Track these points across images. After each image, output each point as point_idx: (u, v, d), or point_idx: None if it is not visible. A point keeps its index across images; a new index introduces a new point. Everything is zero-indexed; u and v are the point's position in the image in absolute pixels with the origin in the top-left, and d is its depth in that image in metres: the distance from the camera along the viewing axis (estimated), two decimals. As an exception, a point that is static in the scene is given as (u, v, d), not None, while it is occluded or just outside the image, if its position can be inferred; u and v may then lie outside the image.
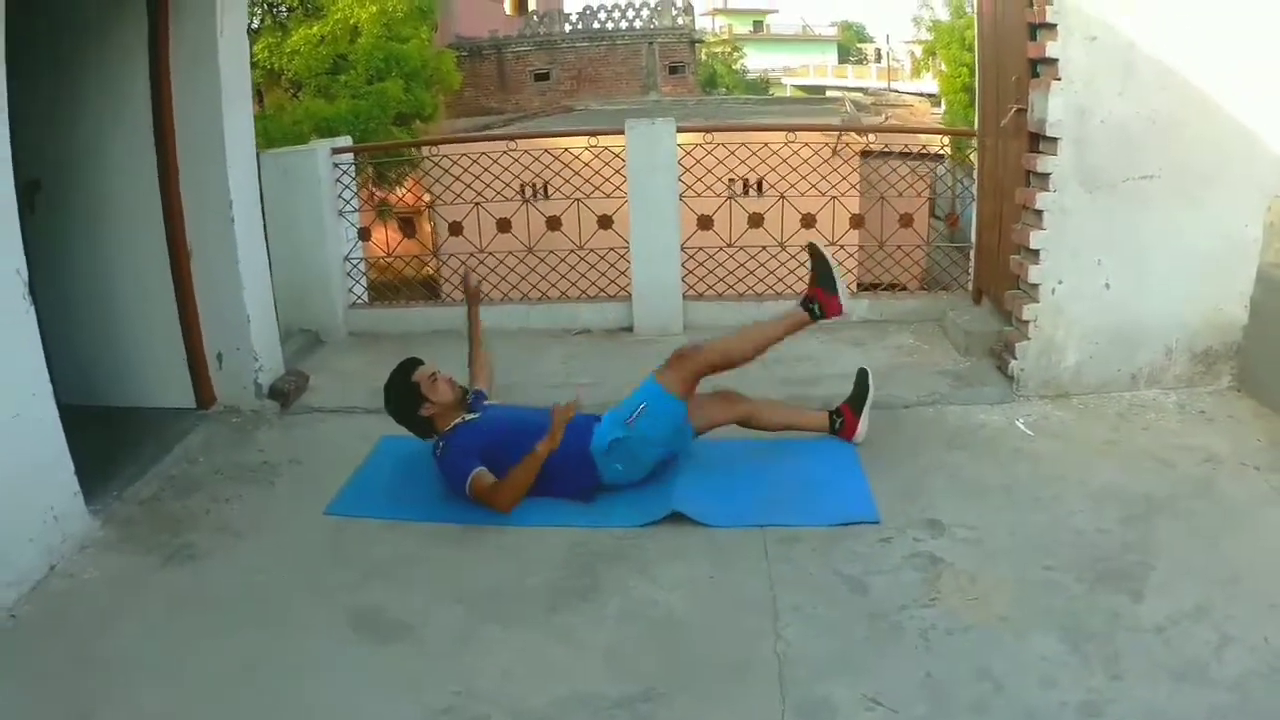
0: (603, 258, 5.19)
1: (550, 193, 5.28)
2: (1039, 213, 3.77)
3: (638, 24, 24.62)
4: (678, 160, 4.84)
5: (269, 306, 4.31)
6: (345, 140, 5.70)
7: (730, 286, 5.10)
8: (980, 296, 4.76)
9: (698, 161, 4.97)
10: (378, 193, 6.55)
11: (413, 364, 3.54)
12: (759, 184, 5.11)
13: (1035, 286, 3.84)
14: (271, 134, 10.64)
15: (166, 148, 3.90)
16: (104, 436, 3.82)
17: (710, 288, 5.13)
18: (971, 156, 5.12)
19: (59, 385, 3.99)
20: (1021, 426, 3.72)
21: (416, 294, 6.17)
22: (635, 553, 2.97)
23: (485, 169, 5.19)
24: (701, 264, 5.09)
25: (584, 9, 25.09)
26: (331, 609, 2.76)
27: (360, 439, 3.86)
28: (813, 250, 3.62)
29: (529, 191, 5.23)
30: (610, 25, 24.66)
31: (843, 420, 3.61)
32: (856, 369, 3.71)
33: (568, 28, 24.96)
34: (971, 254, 4.96)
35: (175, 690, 2.44)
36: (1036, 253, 3.80)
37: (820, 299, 3.50)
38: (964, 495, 3.22)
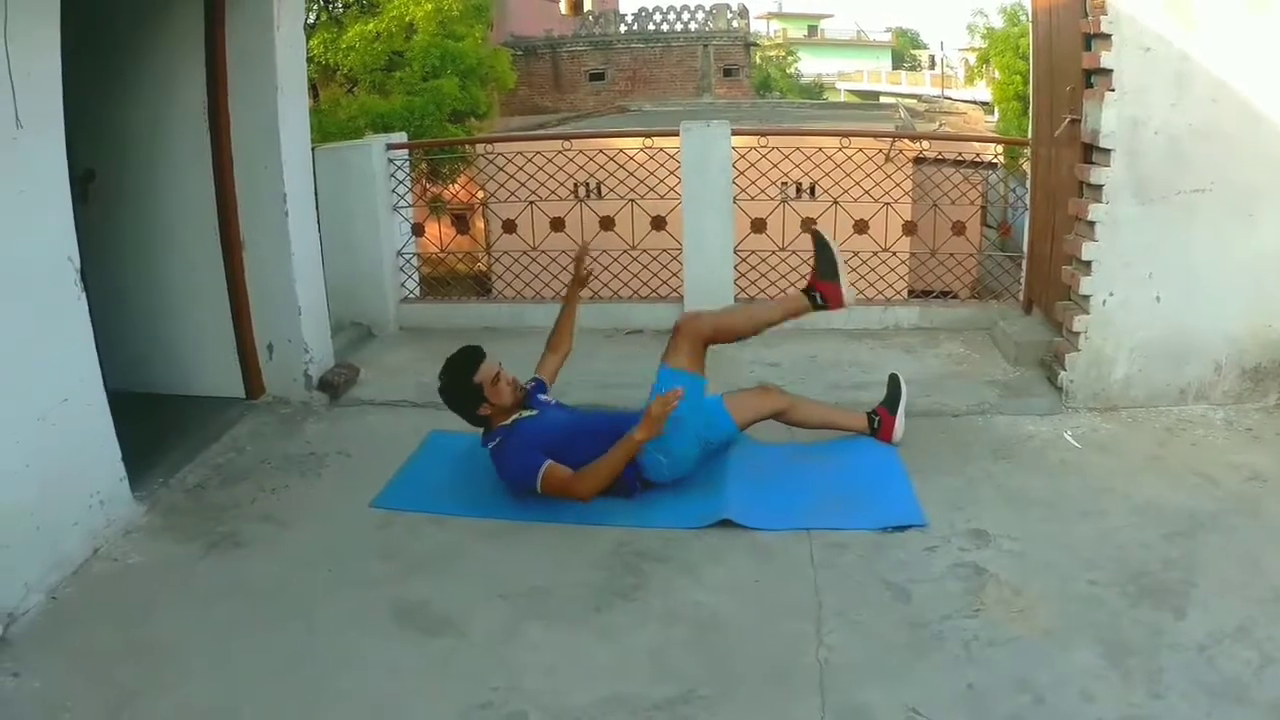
0: (655, 258, 5.21)
1: (604, 192, 5.31)
2: (1091, 224, 3.75)
3: (692, 26, 24.69)
4: (732, 163, 4.85)
5: (321, 299, 4.39)
6: (400, 136, 5.77)
7: (782, 290, 5.07)
8: (1031, 306, 4.72)
9: (752, 165, 4.96)
10: (431, 188, 6.64)
11: (476, 357, 3.42)
12: (811, 188, 5.08)
13: (1086, 298, 3.81)
14: (326, 129, 10.82)
15: (221, 139, 3.98)
16: (152, 423, 3.91)
17: (762, 291, 5.11)
18: (1025, 165, 5.07)
19: (111, 372, 4.00)
20: (1069, 438, 3.70)
21: (468, 290, 6.23)
22: (681, 553, 2.99)
23: (540, 168, 5.25)
24: (754, 267, 5.09)
25: (639, 10, 25.26)
26: (375, 602, 2.79)
27: (409, 432, 3.92)
28: (815, 236, 3.59)
29: (582, 191, 5.26)
30: (665, 27, 24.76)
31: (880, 421, 3.62)
32: (893, 375, 3.72)
33: (623, 29, 25.08)
34: (1023, 263, 4.90)
35: (218, 679, 2.48)
36: (1088, 264, 3.78)
37: (821, 288, 3.50)
38: (1010, 505, 3.20)
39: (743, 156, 4.93)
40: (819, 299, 3.50)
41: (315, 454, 3.81)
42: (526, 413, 3.44)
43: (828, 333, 4.88)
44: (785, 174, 4.98)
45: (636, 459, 3.24)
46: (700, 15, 24.78)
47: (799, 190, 5.24)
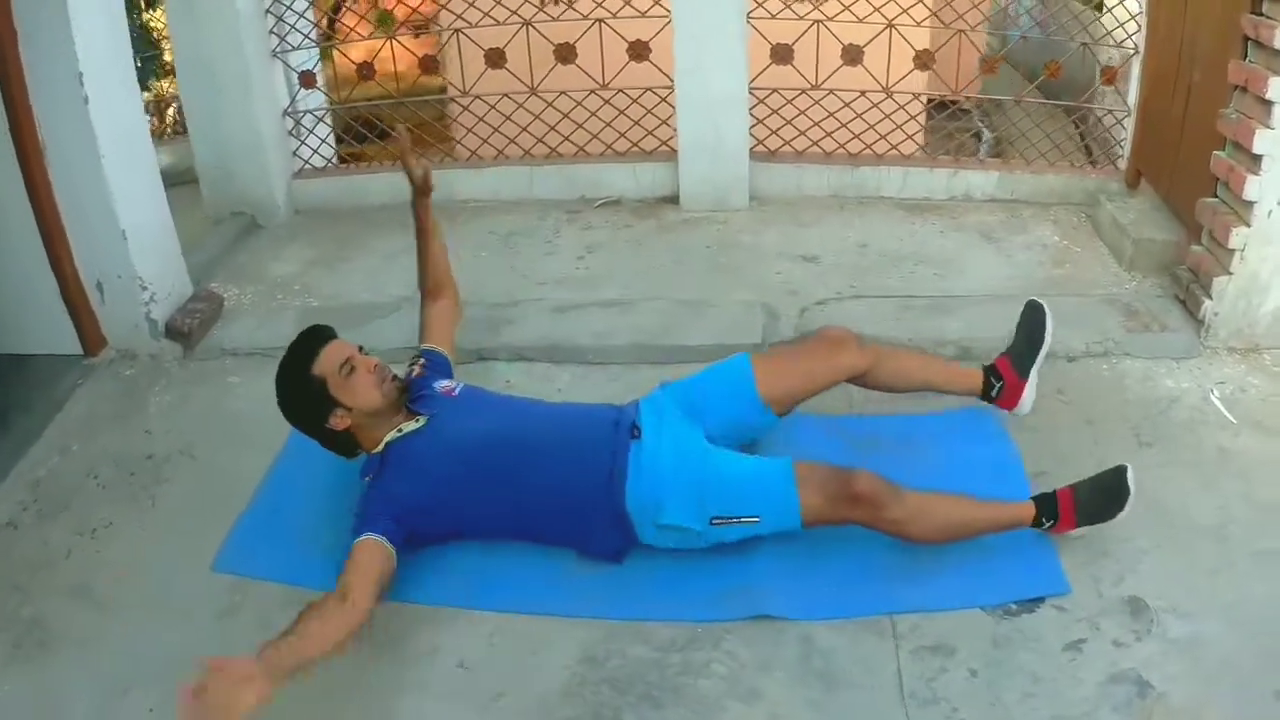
0: (636, 100, 3.88)
1: (559, 12, 3.87)
2: (1268, 104, 2.54)
3: None
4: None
5: (159, 214, 3.21)
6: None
7: (815, 142, 3.81)
8: (1138, 179, 3.51)
9: None
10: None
11: (316, 340, 2.33)
12: None
13: (1250, 205, 2.67)
14: None
15: (-2, 3, 2.71)
16: None
17: (788, 143, 3.84)
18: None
19: None
20: (1217, 403, 2.70)
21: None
22: (687, 682, 1.97)
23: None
24: (776, 111, 3.78)
25: None
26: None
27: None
28: (1032, 308, 2.54)
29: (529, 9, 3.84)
30: None
31: (1003, 384, 2.48)
32: (1034, 305, 2.55)
33: None
34: (1129, 123, 3.59)
35: None
36: (1258, 159, 2.61)
37: (1007, 376, 2.49)
38: (1169, 542, 2.24)
39: None
40: (996, 390, 2.49)
41: (153, 456, 2.78)
42: (409, 424, 2.31)
43: (877, 203, 3.69)
44: None
45: (633, 527, 2.21)
46: None
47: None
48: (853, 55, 3.53)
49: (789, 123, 3.77)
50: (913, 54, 3.61)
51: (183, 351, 3.21)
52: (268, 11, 3.85)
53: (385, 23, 6.79)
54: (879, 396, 2.65)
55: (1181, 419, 2.61)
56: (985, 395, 2.50)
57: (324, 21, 5.17)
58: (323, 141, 4.26)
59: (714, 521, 2.14)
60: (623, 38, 3.74)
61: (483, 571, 2.28)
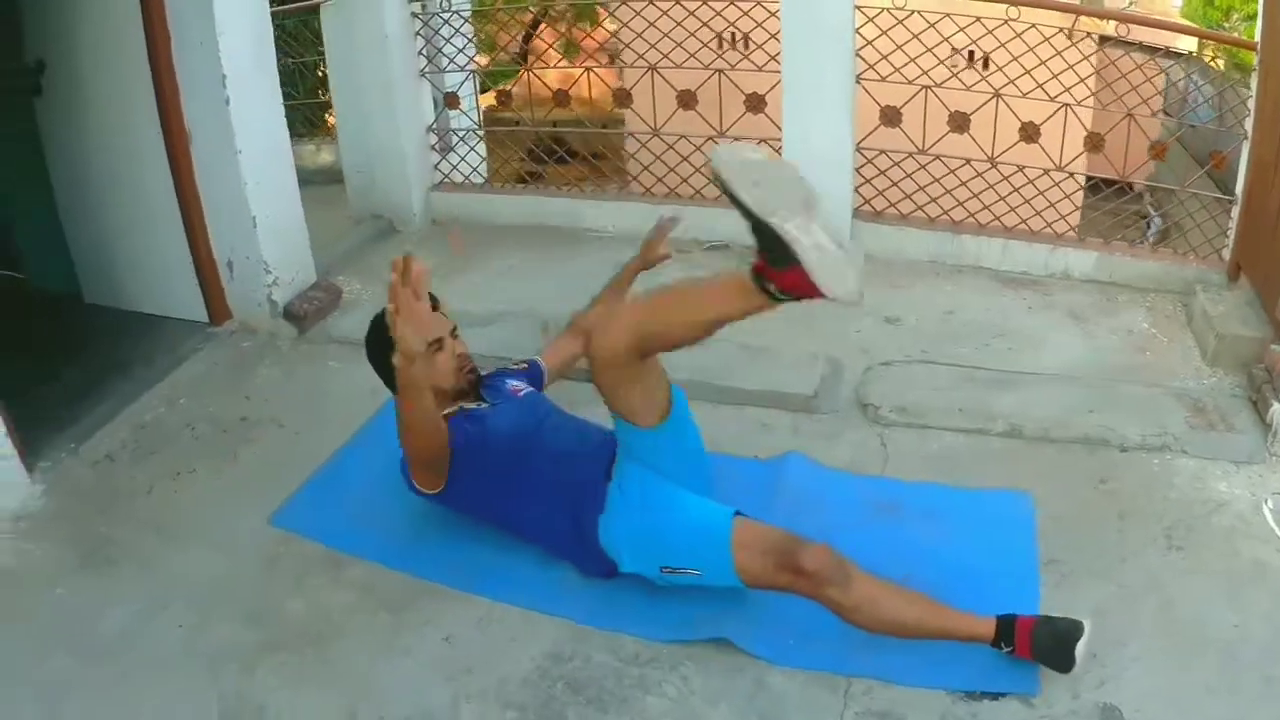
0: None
1: (684, 59, 4.04)
2: None
3: None
4: (855, 27, 3.54)
5: (290, 205, 3.60)
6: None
7: (919, 207, 3.83)
8: (1238, 273, 3.33)
9: (883, 32, 3.61)
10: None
11: None
12: (985, 60, 3.64)
13: None
14: None
15: (153, 8, 3.16)
16: (99, 356, 3.48)
17: (893, 205, 3.88)
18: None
19: (84, 281, 3.81)
20: (1269, 515, 2.50)
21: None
22: (636, 693, 2.07)
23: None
24: (883, 172, 3.83)
25: None
26: (200, 698, 2.10)
27: (369, 394, 3.01)
28: (720, 183, 1.96)
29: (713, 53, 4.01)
30: None
31: (1012, 649, 2.03)
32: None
33: None
34: (1235, 211, 3.42)
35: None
36: None
37: (774, 277, 1.94)
38: (1170, 653, 2.11)
39: (872, 20, 3.59)
40: (774, 289, 1.95)
41: (246, 419, 3.13)
42: (471, 405, 2.53)
43: (974, 273, 3.66)
44: (930, 48, 3.59)
45: (600, 548, 2.30)
46: None
47: (972, 57, 3.82)
48: (957, 122, 3.54)
49: (895, 184, 3.80)
50: (1018, 126, 3.56)
51: (296, 333, 3.56)
52: (417, 34, 4.21)
53: (571, 52, 7.19)
54: (913, 460, 2.67)
55: (1223, 526, 2.46)
56: (996, 643, 2.05)
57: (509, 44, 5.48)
58: (462, 158, 4.55)
59: (664, 570, 2.20)
60: (740, 89, 3.89)
61: (487, 561, 2.45)
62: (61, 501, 2.81)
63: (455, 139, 4.46)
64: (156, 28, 3.17)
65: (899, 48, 3.57)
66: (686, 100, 3.99)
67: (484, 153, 4.53)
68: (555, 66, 4.58)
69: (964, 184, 3.69)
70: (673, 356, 3.02)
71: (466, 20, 4.22)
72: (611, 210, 4.24)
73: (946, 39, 3.52)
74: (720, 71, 3.85)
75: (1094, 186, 4.81)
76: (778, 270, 1.90)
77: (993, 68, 3.54)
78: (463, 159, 4.52)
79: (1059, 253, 3.59)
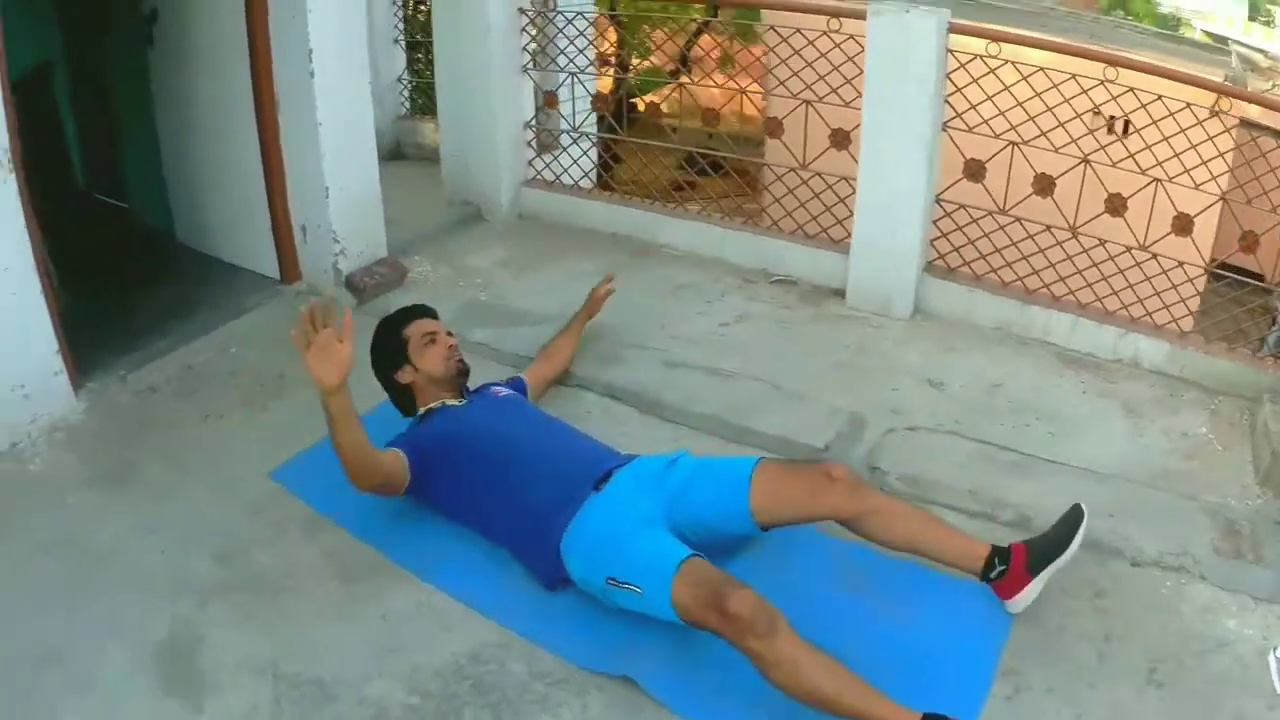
0: (830, 187, 3.92)
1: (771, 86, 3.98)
2: None
3: None
4: (946, 72, 3.41)
5: (367, 181, 3.77)
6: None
7: (993, 269, 3.66)
8: None
9: (974, 80, 3.44)
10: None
11: (418, 313, 2.86)
12: (1125, 126, 3.35)
13: None
14: None
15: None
16: (170, 297, 3.76)
17: (966, 263, 3.72)
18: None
19: (179, 225, 4.12)
20: (1273, 664, 2.23)
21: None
22: (532, 709, 2.08)
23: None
24: (961, 228, 3.67)
25: None
26: (153, 628, 2.27)
27: None
28: (1073, 511, 2.37)
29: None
30: None
31: (1006, 569, 2.29)
32: (1076, 509, 2.36)
33: None
34: None
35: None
36: None
37: (1015, 565, 2.29)
38: None
39: (963, 66, 3.43)
40: (996, 573, 2.30)
41: (284, 376, 3.30)
42: (452, 401, 2.72)
43: (1038, 347, 3.47)
44: (1019, 102, 3.40)
45: (558, 550, 2.34)
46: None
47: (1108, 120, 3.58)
48: (1042, 185, 3.36)
49: (971, 242, 3.63)
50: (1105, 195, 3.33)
51: (356, 304, 3.70)
52: (523, 30, 4.30)
53: (727, 64, 7.24)
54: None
55: (1216, 669, 2.22)
56: (984, 574, 2.31)
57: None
58: (553, 158, 4.61)
59: (609, 581, 2.21)
60: (826, 123, 3.80)
61: (447, 551, 2.53)
62: (98, 421, 3.07)
63: (550, 138, 4.55)
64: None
65: (989, 98, 3.42)
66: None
67: (577, 155, 4.56)
68: (703, 80, 4.54)
69: (1041, 251, 3.50)
70: (702, 389, 3.20)
71: (571, 21, 4.27)
72: (684, 228, 4.24)
73: (1038, 94, 3.32)
74: (808, 103, 3.78)
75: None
76: (1025, 568, 2.29)
77: (1085, 128, 3.36)
78: (554, 159, 4.59)
79: (1130, 338, 3.34)
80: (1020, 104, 3.38)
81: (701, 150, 4.43)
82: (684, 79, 5.98)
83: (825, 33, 3.62)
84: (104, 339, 3.35)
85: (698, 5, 7.61)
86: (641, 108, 5.51)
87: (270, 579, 2.44)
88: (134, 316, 3.54)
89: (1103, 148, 3.26)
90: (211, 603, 2.35)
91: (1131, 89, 3.24)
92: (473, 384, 2.85)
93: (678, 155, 4.61)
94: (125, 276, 3.87)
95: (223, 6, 3.44)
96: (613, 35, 4.85)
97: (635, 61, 8.99)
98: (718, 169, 4.47)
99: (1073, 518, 2.34)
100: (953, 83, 3.46)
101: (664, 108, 4.84)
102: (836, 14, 3.54)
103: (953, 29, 3.35)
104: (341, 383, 2.16)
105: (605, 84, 8.04)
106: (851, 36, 3.58)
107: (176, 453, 2.94)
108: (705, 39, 8.60)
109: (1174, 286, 3.34)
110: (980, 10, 12.19)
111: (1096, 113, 3.35)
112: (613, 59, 6.14)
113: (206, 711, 2.05)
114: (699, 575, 2.09)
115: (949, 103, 3.48)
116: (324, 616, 2.33)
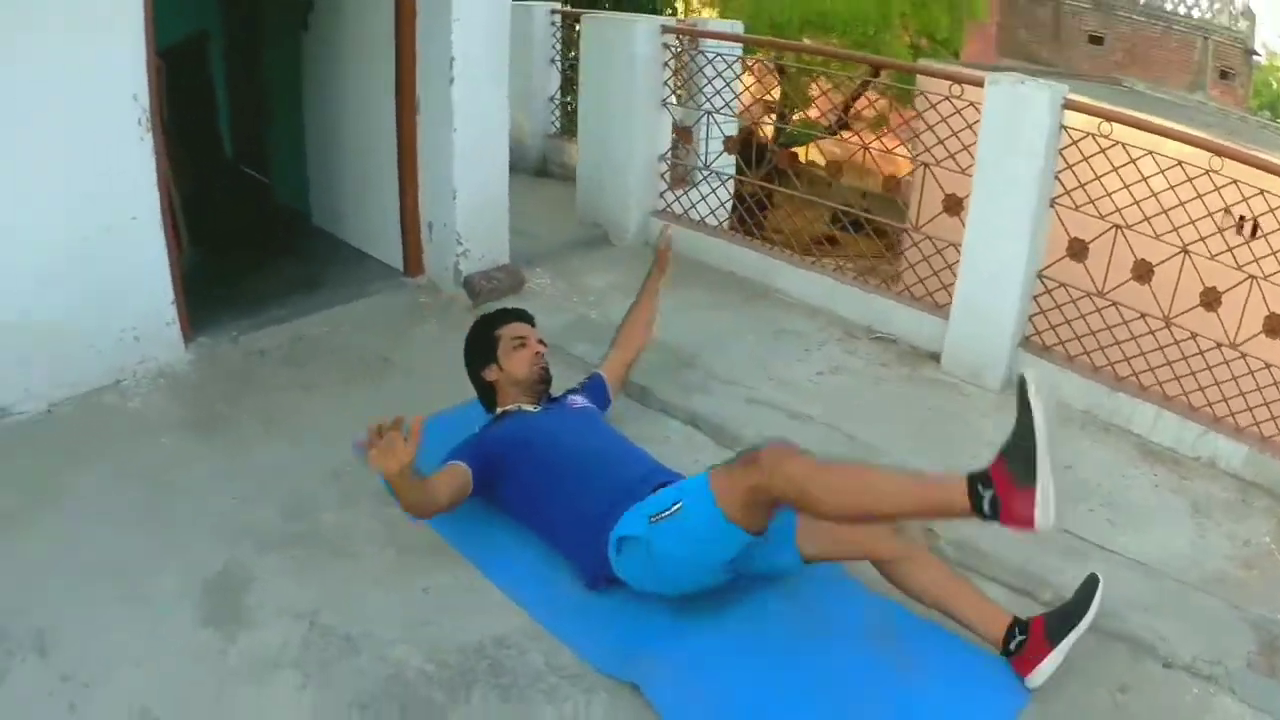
0: (940, 252, 3.94)
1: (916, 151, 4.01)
2: None
3: (1195, 13, 19.86)
4: (1058, 149, 3.40)
5: (495, 187, 4.00)
6: (734, 25, 4.95)
7: (1085, 351, 3.59)
8: None
9: (1085, 158, 3.42)
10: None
11: (515, 316, 3.02)
12: (1252, 227, 3.35)
13: None
14: (761, 11, 10.25)
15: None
16: (296, 275, 4.07)
17: (1061, 342, 3.66)
18: None
19: (315, 208, 4.45)
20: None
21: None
22: (538, 699, 2.18)
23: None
24: (1059, 306, 3.63)
25: None
26: (212, 556, 2.50)
27: None
28: (1090, 579, 2.33)
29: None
30: (1169, 6, 20.24)
31: (1026, 639, 2.29)
32: (1092, 579, 2.34)
33: None
34: None
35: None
36: None
37: (1000, 483, 2.01)
38: None
39: (1075, 144, 3.41)
40: (988, 503, 2.02)
41: (388, 360, 3.56)
42: (528, 407, 2.86)
43: (1120, 435, 3.41)
44: (1125, 184, 3.36)
45: (608, 555, 2.43)
46: (1204, 2, 19.60)
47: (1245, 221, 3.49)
48: (1140, 271, 3.29)
49: (1066, 321, 3.57)
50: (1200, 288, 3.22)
51: (471, 304, 3.93)
52: (666, 64, 4.48)
53: (878, 125, 7.30)
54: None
55: None
56: (1005, 644, 2.31)
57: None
58: (683, 193, 4.76)
59: (651, 520, 2.29)
60: (941, 187, 3.82)
61: (499, 540, 2.67)
62: (202, 372, 3.38)
63: (684, 172, 4.70)
64: (406, 2, 3.67)
65: (1097, 178, 3.38)
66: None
67: (707, 192, 4.68)
68: (851, 137, 4.58)
69: (1134, 338, 3.43)
70: (779, 430, 3.19)
71: (710, 61, 4.42)
72: (798, 276, 4.31)
73: (1144, 178, 3.28)
74: (927, 166, 3.82)
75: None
76: (1018, 488, 1.99)
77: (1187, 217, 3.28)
78: (683, 194, 4.73)
79: (1210, 436, 3.23)
80: (1126, 186, 3.34)
81: (830, 204, 4.48)
82: (842, 135, 6.08)
83: (947, 97, 3.67)
84: (226, 301, 3.67)
85: (860, 64, 7.72)
86: (802, 159, 5.65)
87: (329, 539, 2.63)
88: (259, 285, 3.86)
89: (1202, 239, 3.20)
90: (269, 551, 2.56)
91: (1234, 181, 3.17)
92: (558, 389, 2.98)
93: (828, 209, 4.67)
94: (259, 247, 4.22)
95: (377, 7, 3.74)
96: (772, 82, 4.98)
97: (793, 113, 9.14)
98: (859, 228, 4.53)
99: (1089, 586, 2.32)
100: (1064, 159, 3.44)
101: (820, 161, 4.91)
102: (957, 79, 3.58)
103: (1067, 105, 3.34)
104: (400, 471, 2.23)
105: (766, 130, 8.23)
106: (972, 104, 3.61)
107: (270, 413, 3.19)
108: (862, 99, 8.70)
109: (1259, 389, 3.24)
110: (1132, 98, 11.87)
111: (1226, 211, 3.28)
112: (771, 106, 6.27)
113: (239, 643, 2.24)
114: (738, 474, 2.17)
115: (1059, 179, 3.47)
116: (370, 580, 2.50)
